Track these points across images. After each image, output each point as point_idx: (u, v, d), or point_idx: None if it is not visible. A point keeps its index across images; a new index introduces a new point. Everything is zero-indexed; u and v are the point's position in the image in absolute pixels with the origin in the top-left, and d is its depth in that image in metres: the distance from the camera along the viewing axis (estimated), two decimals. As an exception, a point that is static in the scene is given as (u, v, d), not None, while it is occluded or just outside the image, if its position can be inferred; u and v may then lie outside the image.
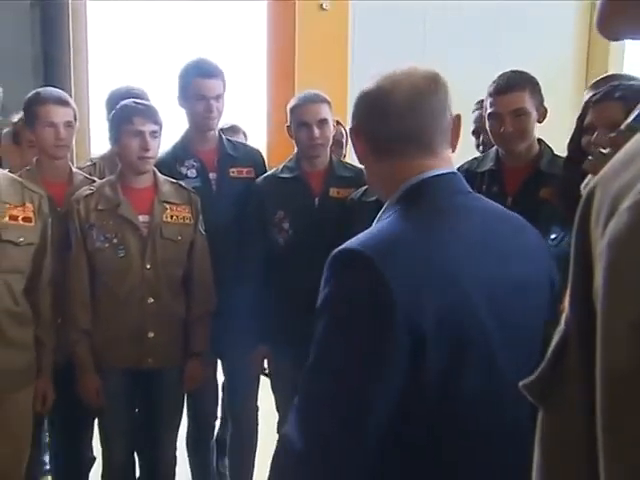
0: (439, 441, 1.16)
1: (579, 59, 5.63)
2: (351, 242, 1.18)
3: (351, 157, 3.18)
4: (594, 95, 2.07)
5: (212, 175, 2.89)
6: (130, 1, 5.29)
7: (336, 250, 1.18)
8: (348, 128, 1.30)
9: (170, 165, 2.84)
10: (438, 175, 1.24)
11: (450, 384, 1.14)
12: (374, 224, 1.29)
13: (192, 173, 2.85)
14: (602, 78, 2.70)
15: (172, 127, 2.95)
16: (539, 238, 1.32)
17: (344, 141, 3.32)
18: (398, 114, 1.22)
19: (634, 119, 0.50)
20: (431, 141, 1.25)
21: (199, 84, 2.77)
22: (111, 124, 2.62)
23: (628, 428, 0.40)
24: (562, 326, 0.53)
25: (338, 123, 3.26)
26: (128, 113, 2.55)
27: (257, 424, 3.11)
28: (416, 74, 1.25)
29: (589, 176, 0.53)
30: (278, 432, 2.92)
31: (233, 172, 2.90)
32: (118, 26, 5.24)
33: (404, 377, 1.11)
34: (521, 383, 0.57)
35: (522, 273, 1.22)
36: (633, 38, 0.56)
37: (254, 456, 3.10)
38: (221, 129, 3.06)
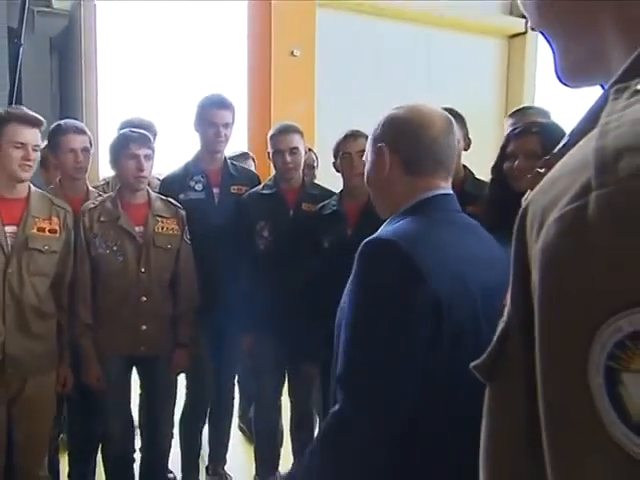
0: (434, 420, 1.13)
1: (498, 98, 5.68)
2: (378, 234, 1.19)
3: (320, 178, 3.21)
4: (515, 129, 2.09)
5: (215, 190, 2.82)
6: (135, 47, 5.24)
7: (366, 240, 1.17)
8: (377, 145, 1.30)
9: (182, 178, 2.80)
10: (445, 194, 1.29)
11: (452, 367, 1.10)
12: (385, 225, 1.28)
13: (199, 187, 2.79)
14: (518, 109, 2.73)
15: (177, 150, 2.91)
16: (501, 248, 1.34)
17: (315, 165, 3.27)
18: (435, 143, 1.26)
19: (560, 148, 0.52)
20: (448, 167, 1.30)
21: (212, 113, 2.73)
22: (111, 149, 2.53)
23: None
24: (505, 317, 0.53)
25: (310, 150, 3.23)
26: (125, 140, 2.48)
27: (234, 398, 3.12)
28: (441, 114, 1.31)
29: (528, 191, 0.53)
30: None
31: (234, 189, 2.85)
32: (122, 66, 5.19)
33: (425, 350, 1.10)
34: (472, 364, 0.56)
35: (497, 278, 1.22)
36: (590, 85, 0.57)
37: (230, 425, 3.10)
38: (232, 156, 3.07)
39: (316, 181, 3.16)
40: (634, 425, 0.35)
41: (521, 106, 2.74)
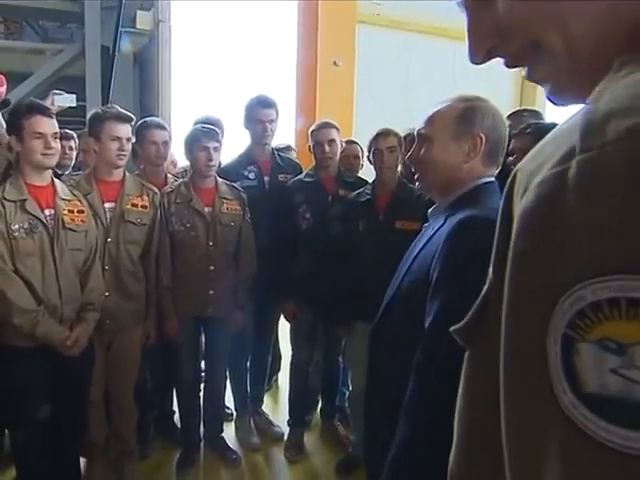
0: None
1: (514, 105, 5.53)
2: (469, 212, 1.09)
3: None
4: (514, 130, 2.11)
5: (266, 178, 2.83)
6: (203, 59, 5.28)
7: (462, 217, 1.08)
8: (478, 133, 1.20)
9: (237, 169, 2.81)
10: (493, 181, 1.24)
11: None
12: (456, 205, 1.17)
13: (252, 176, 2.80)
14: (514, 112, 2.66)
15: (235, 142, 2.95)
16: None
17: (360, 155, 3.11)
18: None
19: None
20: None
21: (259, 112, 2.73)
22: (186, 142, 2.58)
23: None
24: (487, 283, 0.47)
25: (356, 143, 3.10)
26: (197, 134, 2.53)
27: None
28: None
29: None
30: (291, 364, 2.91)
31: (281, 177, 2.84)
32: (192, 75, 5.24)
33: None
34: (452, 328, 0.51)
35: None
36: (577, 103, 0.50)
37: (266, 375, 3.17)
38: (277, 148, 3.03)
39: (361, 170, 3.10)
40: (584, 396, 0.30)
41: (517, 109, 2.66)
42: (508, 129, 1.31)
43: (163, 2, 5.05)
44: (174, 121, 4.80)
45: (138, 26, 5.07)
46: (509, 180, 0.44)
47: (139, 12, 5.05)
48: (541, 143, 0.40)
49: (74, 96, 2.80)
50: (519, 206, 0.36)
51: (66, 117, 3.21)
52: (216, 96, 5.07)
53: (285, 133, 4.52)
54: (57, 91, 2.73)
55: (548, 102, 0.48)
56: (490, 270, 0.46)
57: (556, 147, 0.34)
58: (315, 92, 4.52)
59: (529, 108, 2.97)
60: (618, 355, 0.29)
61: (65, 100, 2.71)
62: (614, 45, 0.37)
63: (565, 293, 0.31)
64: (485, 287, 0.47)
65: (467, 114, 1.20)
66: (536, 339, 0.32)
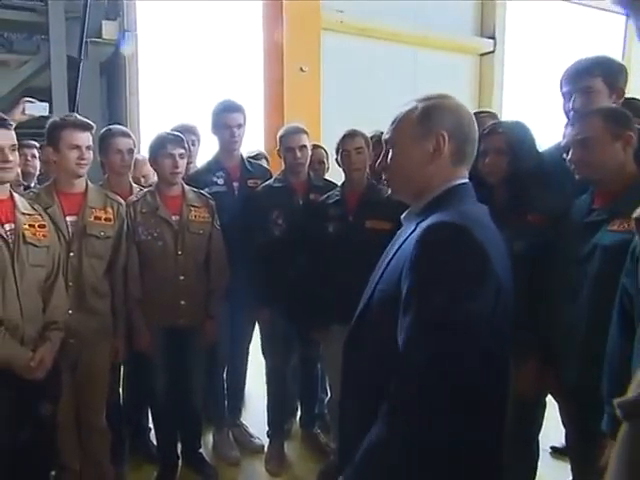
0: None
1: (472, 106, 5.47)
2: (437, 217, 0.98)
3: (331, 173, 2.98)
4: (484, 130, 1.90)
5: (235, 184, 2.61)
6: (169, 67, 5.04)
7: (429, 224, 0.97)
8: (439, 131, 1.06)
9: (205, 175, 2.59)
10: (467, 182, 1.10)
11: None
12: (427, 209, 1.06)
13: (221, 182, 2.58)
14: (473, 113, 2.49)
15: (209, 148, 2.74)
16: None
17: (324, 160, 2.97)
18: (476, 138, 1.12)
19: None
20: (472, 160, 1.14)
21: (226, 117, 2.51)
22: (150, 149, 2.34)
23: None
24: None
25: (320, 147, 2.95)
26: (162, 141, 2.30)
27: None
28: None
29: None
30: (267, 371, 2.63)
31: (251, 182, 2.62)
32: (159, 82, 4.99)
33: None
34: (618, 401, 0.39)
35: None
36: None
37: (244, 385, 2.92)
38: (250, 156, 2.83)
39: (326, 174, 2.92)
40: None
41: (475, 110, 2.49)
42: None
43: (129, 12, 4.77)
44: (143, 130, 4.54)
45: (104, 36, 4.78)
46: None
47: (104, 22, 4.76)
48: None
49: (47, 105, 2.54)
50: None
51: (32, 129, 2.91)
52: (185, 103, 4.82)
53: (254, 138, 4.32)
54: (29, 99, 2.45)
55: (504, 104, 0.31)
56: None
57: None
58: (282, 97, 4.34)
59: (486, 109, 2.88)
60: None
61: (38, 109, 2.44)
62: None
63: None
64: None
65: (426, 113, 1.08)
66: None
